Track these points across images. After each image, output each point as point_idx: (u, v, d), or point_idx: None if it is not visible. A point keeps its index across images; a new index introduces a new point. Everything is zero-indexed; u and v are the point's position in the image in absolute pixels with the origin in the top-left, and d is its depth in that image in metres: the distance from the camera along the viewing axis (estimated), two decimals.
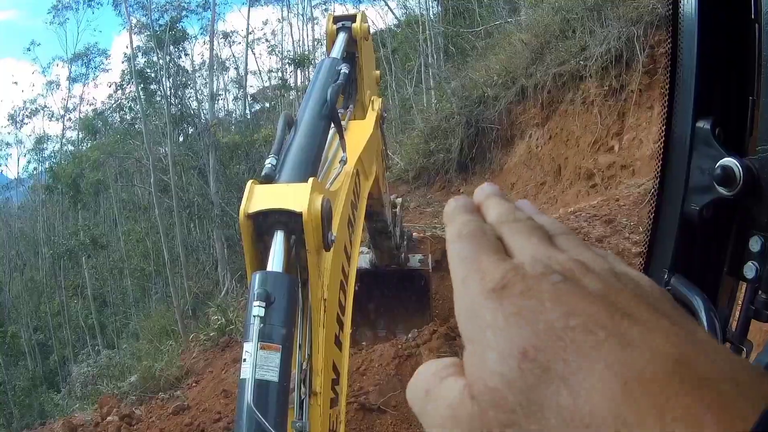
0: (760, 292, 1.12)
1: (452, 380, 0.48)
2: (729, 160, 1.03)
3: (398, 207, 8.22)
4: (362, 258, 8.74)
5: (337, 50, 4.93)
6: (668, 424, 0.36)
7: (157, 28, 30.71)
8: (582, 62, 13.05)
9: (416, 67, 26.91)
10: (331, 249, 3.13)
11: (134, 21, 31.25)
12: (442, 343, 8.70)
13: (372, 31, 5.84)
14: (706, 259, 1.20)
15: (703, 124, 1.10)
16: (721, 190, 1.05)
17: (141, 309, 32.12)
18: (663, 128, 1.16)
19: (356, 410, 8.30)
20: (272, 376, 2.73)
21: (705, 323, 1.06)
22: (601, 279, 0.47)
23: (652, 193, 1.22)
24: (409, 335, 9.07)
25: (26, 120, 50.97)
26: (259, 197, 3.08)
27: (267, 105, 38.61)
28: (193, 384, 11.29)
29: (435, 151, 16.83)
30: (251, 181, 3.15)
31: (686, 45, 1.12)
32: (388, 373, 8.58)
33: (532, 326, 0.43)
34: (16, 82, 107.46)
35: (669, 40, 1.15)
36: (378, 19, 34.18)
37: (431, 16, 28.57)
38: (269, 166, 3.35)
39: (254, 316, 2.76)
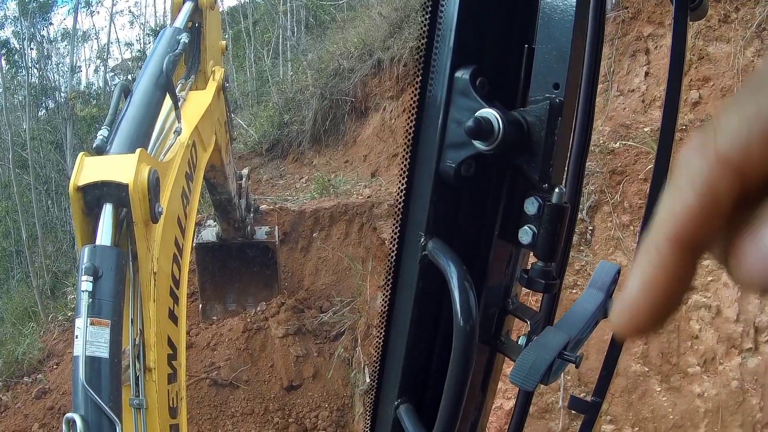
0: (536, 259, 1.05)
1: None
2: (487, 111, 0.95)
3: (244, 179, 8.13)
4: (209, 231, 8.65)
5: (180, 20, 4.83)
6: None
7: None
8: None
9: (274, 38, 26.50)
10: (161, 221, 3.08)
11: None
12: (291, 315, 8.74)
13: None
14: (472, 222, 1.11)
15: (462, 74, 1.00)
16: (478, 144, 0.96)
17: (5, 291, 30.32)
18: (419, 79, 1.06)
19: (209, 386, 8.23)
20: (102, 352, 2.70)
21: (456, 294, 0.98)
22: None
23: (405, 149, 1.10)
24: (257, 308, 9.05)
25: None
26: (89, 169, 3.01)
27: (129, 77, 37.03)
28: (54, 366, 10.91)
29: (289, 123, 16.64)
30: (82, 153, 3.07)
31: None
32: (238, 348, 8.54)
33: None
34: None
35: None
36: None
37: None
38: (101, 137, 3.27)
39: (83, 291, 2.71)
